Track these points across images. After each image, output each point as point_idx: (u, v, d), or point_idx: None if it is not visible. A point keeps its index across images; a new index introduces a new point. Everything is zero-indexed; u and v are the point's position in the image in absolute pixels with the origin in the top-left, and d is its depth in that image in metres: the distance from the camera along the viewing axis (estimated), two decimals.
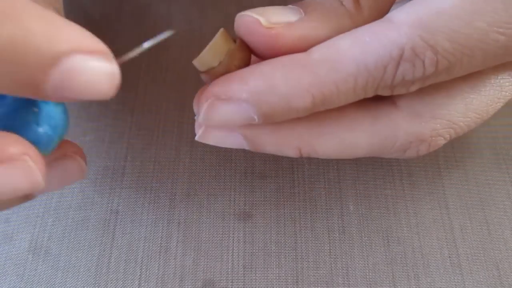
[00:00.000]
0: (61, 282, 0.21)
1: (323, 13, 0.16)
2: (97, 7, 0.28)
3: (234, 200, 0.23)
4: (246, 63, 0.16)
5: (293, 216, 0.22)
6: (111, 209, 0.22)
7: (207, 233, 0.22)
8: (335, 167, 0.23)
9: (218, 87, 0.16)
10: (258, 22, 0.15)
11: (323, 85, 0.15)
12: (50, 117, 0.14)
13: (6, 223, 0.22)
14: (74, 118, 0.25)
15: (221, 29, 0.16)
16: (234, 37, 0.17)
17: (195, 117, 0.18)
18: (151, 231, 0.22)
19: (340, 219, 0.22)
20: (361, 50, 0.15)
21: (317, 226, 0.22)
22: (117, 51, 0.14)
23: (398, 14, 0.15)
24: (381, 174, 0.23)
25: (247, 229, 0.22)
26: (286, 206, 0.22)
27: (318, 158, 0.23)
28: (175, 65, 0.26)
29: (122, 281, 0.21)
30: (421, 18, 0.15)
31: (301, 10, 0.16)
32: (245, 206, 0.22)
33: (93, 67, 0.12)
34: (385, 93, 0.16)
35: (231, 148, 0.24)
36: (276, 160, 0.23)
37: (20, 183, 0.14)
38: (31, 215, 0.22)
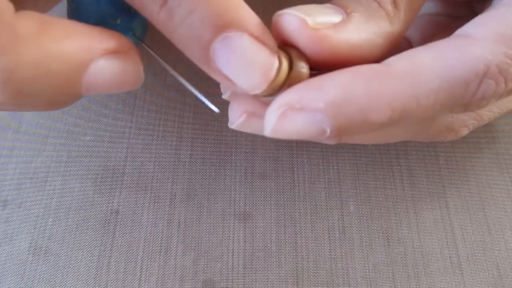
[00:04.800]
0: (61, 282, 0.21)
1: (364, 15, 0.15)
2: None
3: (234, 200, 0.22)
4: (307, 62, 0.15)
5: (293, 216, 0.22)
6: (111, 209, 0.22)
7: (207, 233, 0.22)
8: (335, 167, 0.23)
9: (292, 95, 0.14)
10: (304, 22, 0.14)
11: (404, 99, 0.14)
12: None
13: (6, 223, 0.22)
14: (74, 118, 0.25)
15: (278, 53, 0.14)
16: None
17: (224, 96, 0.17)
18: (151, 231, 0.22)
19: (340, 219, 0.22)
20: (444, 65, 0.14)
21: (317, 226, 0.22)
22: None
23: (476, 30, 0.15)
24: (381, 174, 0.23)
25: (247, 229, 0.22)
26: (286, 206, 0.22)
27: (318, 158, 0.23)
28: (175, 65, 0.26)
29: (122, 281, 0.21)
30: (503, 34, 0.14)
31: (342, 11, 0.15)
32: (245, 206, 0.22)
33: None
34: (459, 111, 0.16)
35: (231, 148, 0.24)
36: (276, 160, 0.23)
37: (131, 76, 0.14)
38: (31, 215, 0.22)
